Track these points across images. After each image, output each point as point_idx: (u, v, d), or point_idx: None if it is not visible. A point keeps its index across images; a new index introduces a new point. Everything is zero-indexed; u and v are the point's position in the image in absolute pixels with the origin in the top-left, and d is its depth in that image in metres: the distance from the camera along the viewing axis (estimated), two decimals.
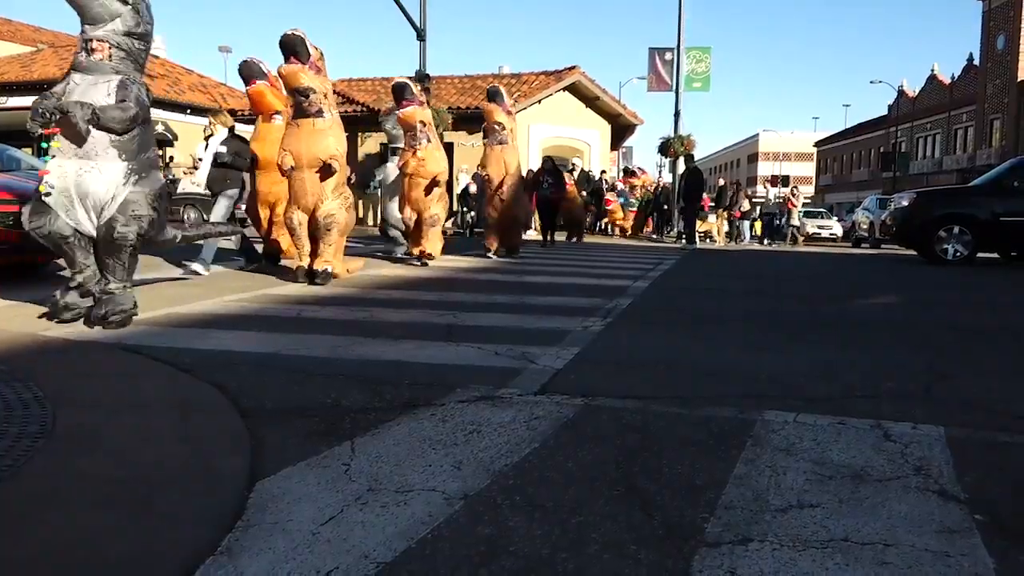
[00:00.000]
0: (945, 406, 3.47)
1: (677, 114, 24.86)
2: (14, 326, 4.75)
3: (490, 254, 11.93)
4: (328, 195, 7.45)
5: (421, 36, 19.91)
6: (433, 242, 9.96)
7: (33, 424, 2.75)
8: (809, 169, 73.99)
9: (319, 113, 7.34)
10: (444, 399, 3.32)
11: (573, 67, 24.72)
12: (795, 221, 24.66)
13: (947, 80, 49.03)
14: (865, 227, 24.54)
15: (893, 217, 14.13)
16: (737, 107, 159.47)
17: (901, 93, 52.63)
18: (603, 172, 24.97)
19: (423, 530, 2.03)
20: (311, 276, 7.45)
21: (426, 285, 7.87)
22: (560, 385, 3.64)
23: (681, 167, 21.55)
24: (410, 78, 10.61)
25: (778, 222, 24.52)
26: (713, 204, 23.78)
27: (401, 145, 10.17)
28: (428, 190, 9.84)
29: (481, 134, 12.52)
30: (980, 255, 12.82)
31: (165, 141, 25.51)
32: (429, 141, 9.66)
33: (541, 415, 3.12)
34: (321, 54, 7.82)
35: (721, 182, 23.92)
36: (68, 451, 2.55)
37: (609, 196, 23.11)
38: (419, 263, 9.92)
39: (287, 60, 7.41)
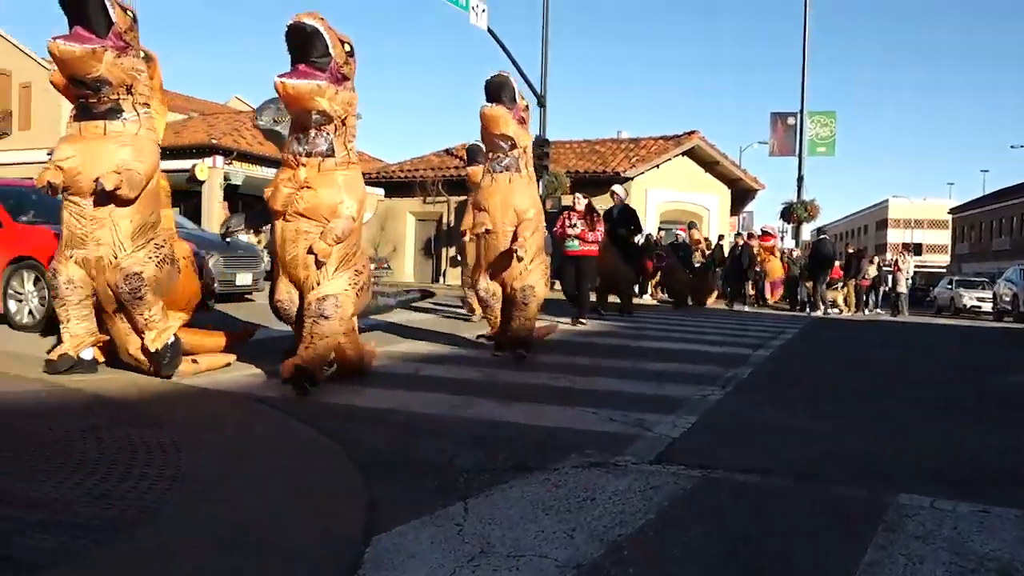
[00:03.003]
0: None
1: (800, 179, 24.31)
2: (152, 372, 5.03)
3: (487, 343, 7.42)
4: (126, 242, 4.70)
5: (541, 102, 20.40)
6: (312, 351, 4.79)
7: (167, 468, 2.89)
8: (944, 237, 70.44)
9: (112, 113, 4.67)
10: (559, 463, 3.28)
11: (692, 132, 24.62)
12: (901, 288, 23.26)
13: None
14: (1008, 299, 23.01)
15: None
16: (864, 172, 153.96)
17: None
18: (691, 229, 20.77)
19: None
20: (54, 364, 4.69)
21: (544, 347, 7.88)
22: (677, 454, 3.54)
23: (805, 234, 20.86)
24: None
25: (885, 288, 23.20)
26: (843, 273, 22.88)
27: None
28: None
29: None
30: None
31: None
32: (332, 154, 4.73)
33: (657, 485, 3.04)
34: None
35: (849, 250, 22.91)
36: (195, 496, 2.66)
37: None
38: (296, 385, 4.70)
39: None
